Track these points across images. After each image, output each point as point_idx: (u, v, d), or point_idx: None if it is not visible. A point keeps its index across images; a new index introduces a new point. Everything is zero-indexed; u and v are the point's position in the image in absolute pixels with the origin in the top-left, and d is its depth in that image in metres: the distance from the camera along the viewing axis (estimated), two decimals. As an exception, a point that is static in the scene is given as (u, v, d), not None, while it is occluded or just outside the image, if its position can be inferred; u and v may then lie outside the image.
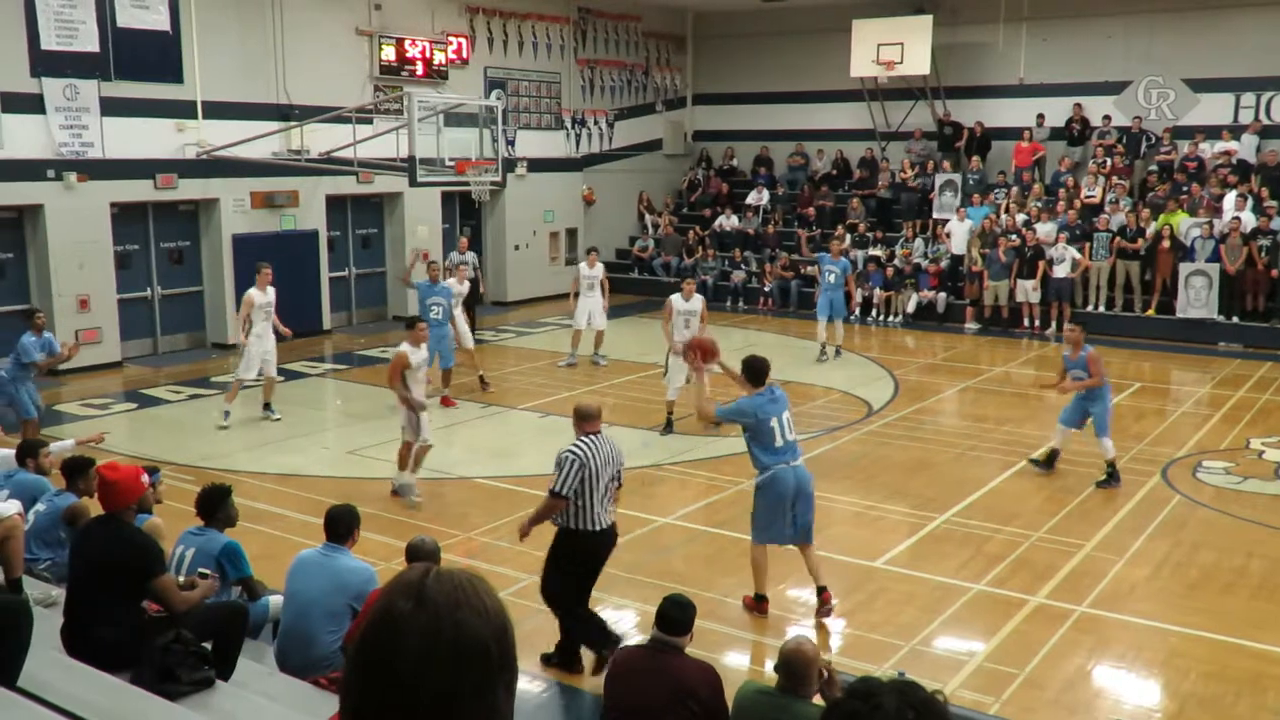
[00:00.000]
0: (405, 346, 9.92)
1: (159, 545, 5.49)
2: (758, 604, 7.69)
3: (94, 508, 7.24)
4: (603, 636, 6.64)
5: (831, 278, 16.12)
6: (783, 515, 7.50)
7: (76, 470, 7.07)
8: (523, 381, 15.23)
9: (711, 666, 4.97)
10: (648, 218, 24.85)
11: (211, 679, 5.18)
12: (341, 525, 5.91)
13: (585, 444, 6.59)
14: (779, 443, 7.47)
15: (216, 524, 6.11)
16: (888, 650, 6.99)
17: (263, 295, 12.61)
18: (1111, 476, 10.41)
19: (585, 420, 6.72)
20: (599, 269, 16.08)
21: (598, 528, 6.60)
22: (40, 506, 6.99)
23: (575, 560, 6.65)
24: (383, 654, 1.47)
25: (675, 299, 12.86)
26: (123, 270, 16.31)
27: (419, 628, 1.46)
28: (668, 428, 12.36)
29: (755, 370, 7.61)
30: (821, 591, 7.60)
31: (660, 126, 25.89)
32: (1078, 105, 21.61)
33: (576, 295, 15.94)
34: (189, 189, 16.79)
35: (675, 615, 4.98)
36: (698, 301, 12.83)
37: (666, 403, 12.48)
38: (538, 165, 22.37)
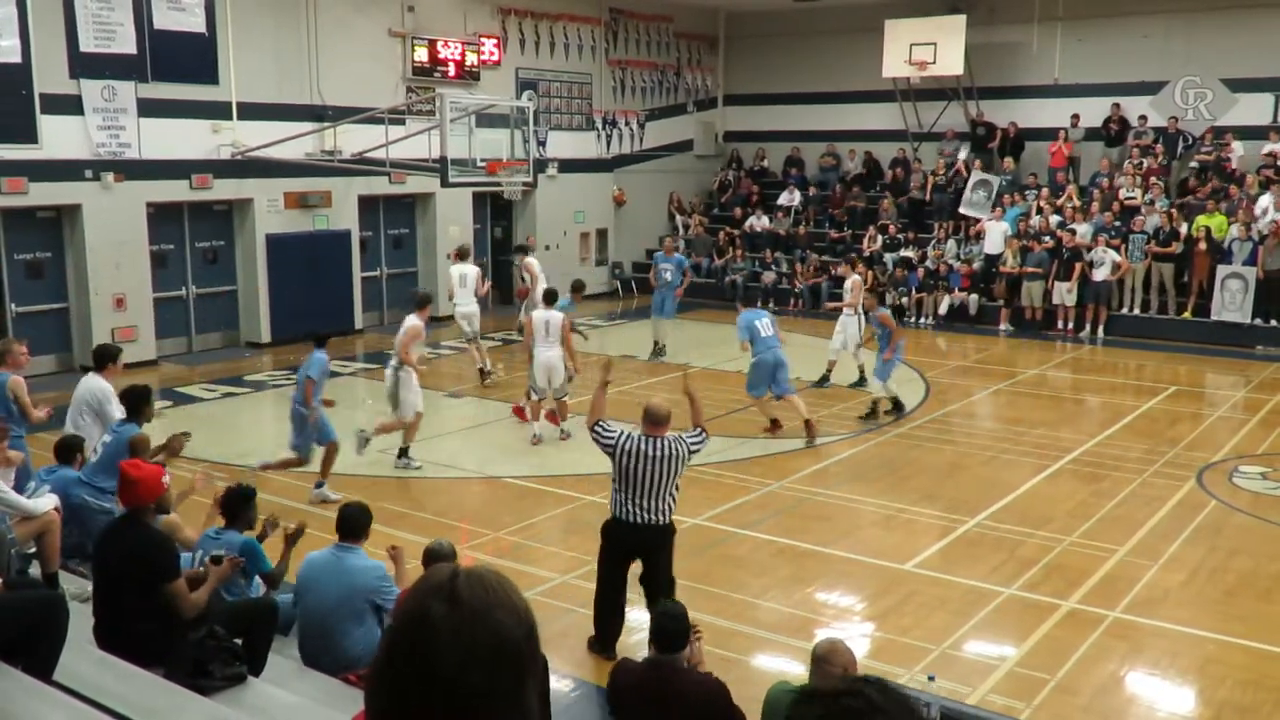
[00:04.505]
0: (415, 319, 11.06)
1: (175, 549, 5.50)
2: (774, 426, 12.20)
3: (156, 439, 7.66)
4: (600, 638, 6.95)
5: (668, 275, 16.50)
6: (766, 379, 11.91)
7: (139, 399, 7.39)
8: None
9: (716, 679, 4.81)
10: (678, 218, 24.84)
11: (243, 674, 5.23)
12: (354, 524, 5.90)
13: (635, 437, 6.71)
14: (763, 334, 11.93)
15: (239, 525, 6.14)
16: (918, 654, 6.94)
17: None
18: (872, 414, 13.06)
19: (649, 423, 6.74)
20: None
21: (616, 515, 6.79)
22: (106, 438, 7.48)
23: (603, 543, 6.97)
24: (419, 657, 1.47)
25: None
26: (158, 269, 16.49)
27: (455, 630, 1.46)
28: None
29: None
30: (808, 423, 11.91)
31: (691, 127, 25.87)
32: (1116, 105, 21.38)
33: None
34: (224, 189, 16.96)
35: (671, 629, 4.78)
36: None
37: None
38: (569, 166, 22.42)
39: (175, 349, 16.91)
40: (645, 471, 6.62)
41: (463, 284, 15.14)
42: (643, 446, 6.65)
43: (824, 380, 14.77)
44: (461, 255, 15.71)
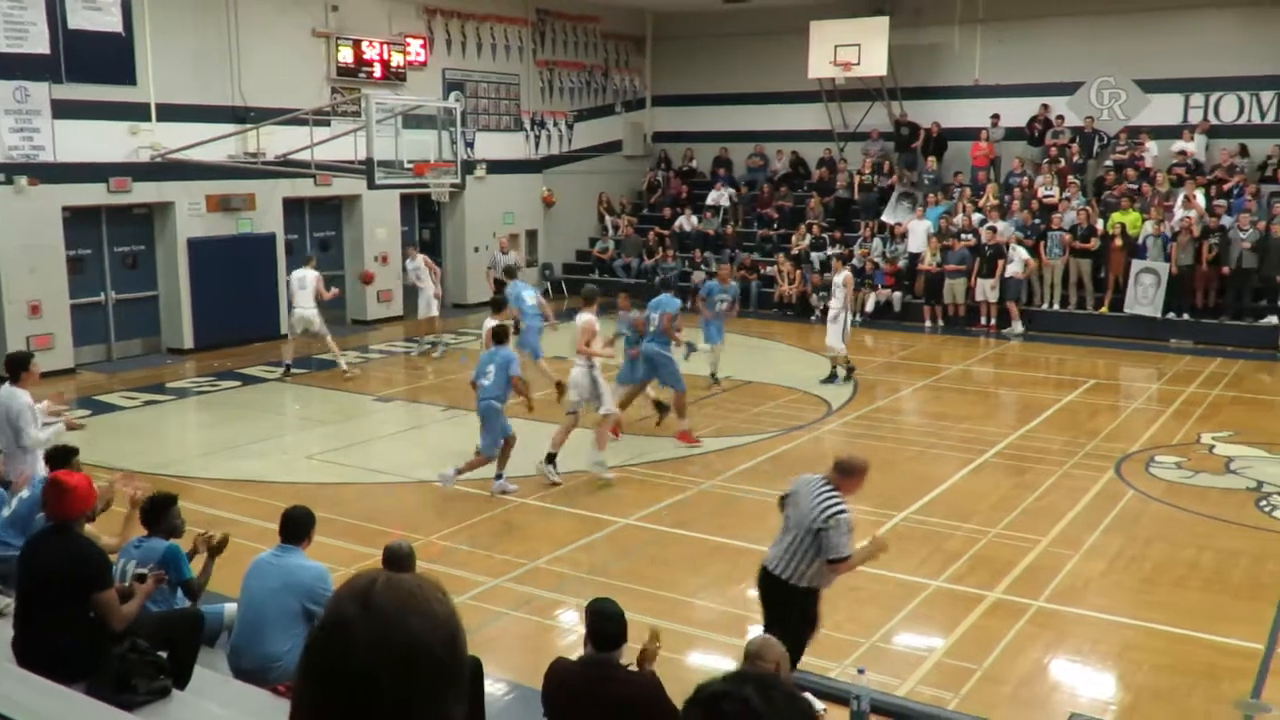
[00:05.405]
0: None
1: (107, 559, 5.41)
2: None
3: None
4: None
5: (723, 305, 14.84)
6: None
7: (61, 460, 7.09)
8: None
9: (653, 677, 4.80)
10: (608, 219, 24.85)
11: (168, 688, 5.13)
12: (296, 526, 5.92)
13: (804, 478, 6.21)
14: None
15: (160, 532, 6.04)
16: (848, 648, 7.04)
17: None
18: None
19: (833, 467, 6.12)
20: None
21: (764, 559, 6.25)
22: (24, 494, 7.05)
23: None
24: (331, 660, 1.48)
25: None
26: (75, 275, 16.07)
27: (367, 634, 1.47)
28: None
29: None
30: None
31: (620, 128, 25.90)
32: (1045, 106, 21.84)
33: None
34: (143, 192, 16.58)
35: (609, 630, 4.72)
36: None
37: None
38: (497, 167, 22.31)
39: (94, 356, 16.50)
40: (789, 508, 6.08)
41: (301, 286, 15.27)
42: (803, 481, 6.12)
43: (839, 377, 15.02)
44: (305, 261, 15.93)
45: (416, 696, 1.48)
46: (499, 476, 10.26)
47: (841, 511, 5.84)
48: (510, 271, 16.03)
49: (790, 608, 6.06)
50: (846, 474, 6.03)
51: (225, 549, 6.23)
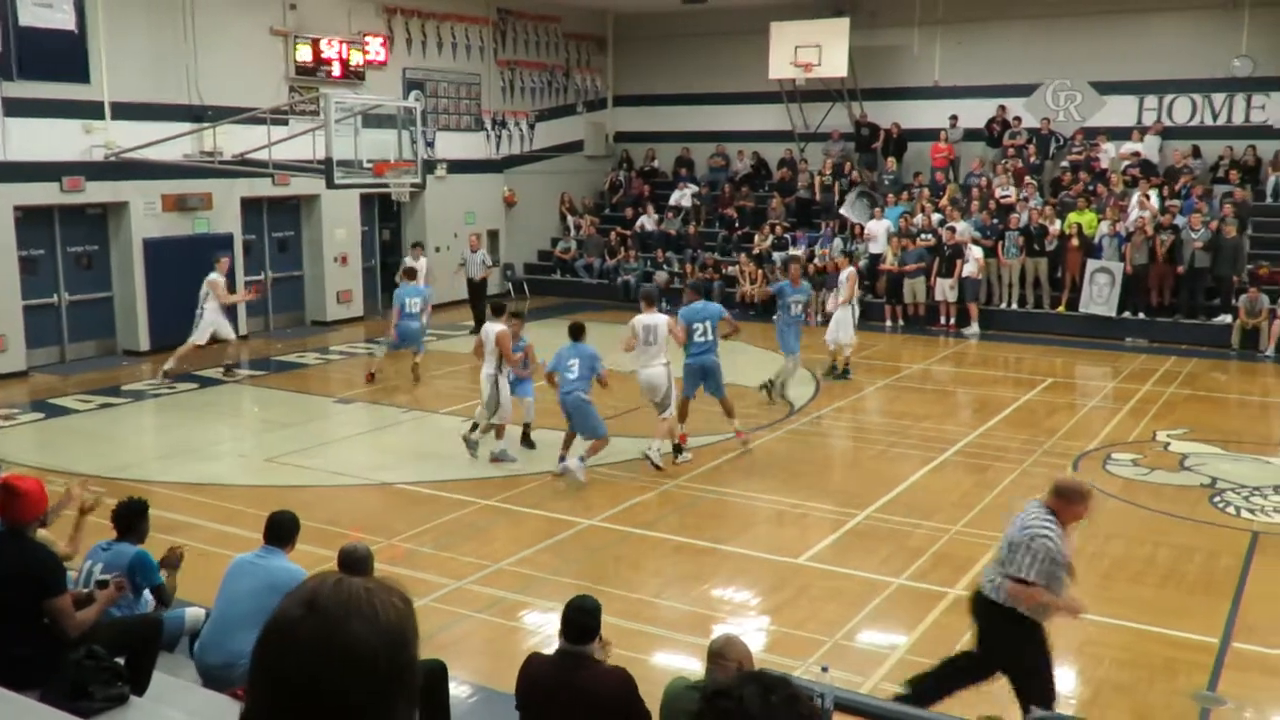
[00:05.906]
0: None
1: (61, 564, 5.32)
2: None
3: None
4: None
5: (797, 308, 13.82)
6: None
7: None
8: (445, 385, 15.11)
9: (624, 672, 4.81)
10: (570, 219, 24.81)
11: (126, 695, 5.04)
12: (281, 529, 5.91)
13: (1027, 504, 5.97)
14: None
15: (132, 538, 5.96)
16: (812, 646, 7.06)
17: None
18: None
19: (1054, 495, 5.77)
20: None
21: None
22: None
23: None
24: (273, 660, 1.48)
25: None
26: (28, 276, 15.79)
27: (308, 635, 1.46)
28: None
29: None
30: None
31: (581, 128, 25.87)
32: (1002, 107, 22.09)
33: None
34: (97, 192, 16.32)
35: (582, 622, 4.74)
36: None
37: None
38: (458, 167, 22.21)
39: (47, 359, 16.22)
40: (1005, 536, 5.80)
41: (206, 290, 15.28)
42: (1026, 505, 5.88)
43: (837, 371, 15.32)
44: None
45: (358, 699, 1.46)
46: (581, 458, 10.48)
47: (1042, 535, 5.54)
48: (410, 273, 15.97)
49: (1017, 640, 5.70)
50: (1061, 497, 5.72)
51: (180, 564, 6.16)
